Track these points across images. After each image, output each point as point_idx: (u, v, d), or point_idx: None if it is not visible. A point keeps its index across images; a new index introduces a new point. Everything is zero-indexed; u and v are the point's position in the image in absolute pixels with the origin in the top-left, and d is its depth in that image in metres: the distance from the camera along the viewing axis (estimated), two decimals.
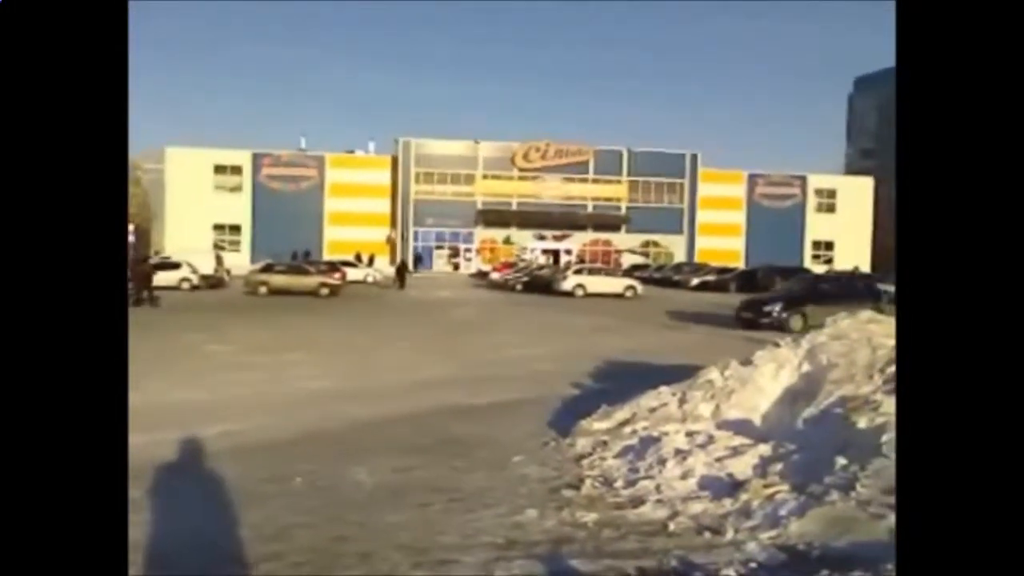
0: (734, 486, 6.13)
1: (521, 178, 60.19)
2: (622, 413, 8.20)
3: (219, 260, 39.38)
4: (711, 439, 7.18)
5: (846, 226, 63.78)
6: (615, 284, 37.99)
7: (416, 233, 59.10)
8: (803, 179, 66.03)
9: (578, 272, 39.28)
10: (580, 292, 36.11)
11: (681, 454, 6.86)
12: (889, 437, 5.88)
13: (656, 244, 62.09)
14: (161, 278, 34.00)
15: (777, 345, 8.69)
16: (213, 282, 36.07)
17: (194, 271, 35.17)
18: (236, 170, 58.73)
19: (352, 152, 64.69)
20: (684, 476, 6.48)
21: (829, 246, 64.49)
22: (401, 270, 42.10)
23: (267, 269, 34.98)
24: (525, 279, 40.72)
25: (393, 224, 59.46)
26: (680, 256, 60.04)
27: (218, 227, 57.52)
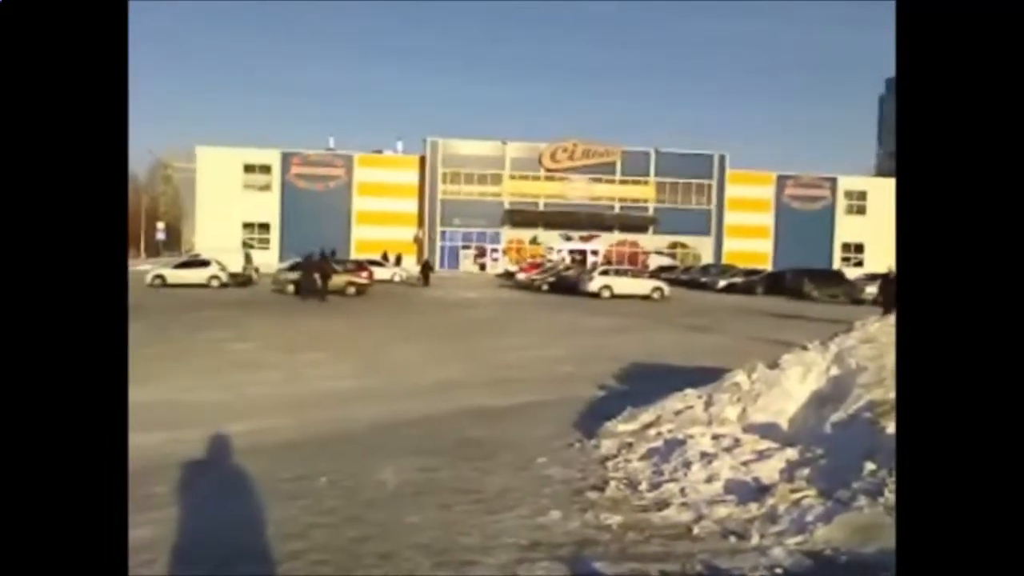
0: (760, 490, 6.05)
1: (548, 178, 60.19)
2: (647, 415, 8.13)
3: (248, 258, 39.74)
4: (737, 442, 7.10)
5: (877, 228, 62.89)
6: (642, 285, 37.79)
7: (443, 233, 59.26)
8: (833, 181, 65.45)
9: (604, 273, 39.16)
10: (606, 293, 35.99)
11: (706, 457, 6.79)
12: None
13: (683, 245, 61.82)
14: (190, 276, 34.52)
15: (805, 348, 8.58)
16: (242, 280, 36.41)
17: (223, 269, 35.52)
18: (265, 169, 59.28)
19: (380, 152, 65.01)
20: (709, 480, 6.40)
21: (859, 248, 63.85)
22: (426, 269, 42.64)
23: (295, 268, 35.19)
24: (551, 280, 40.66)
25: (420, 224, 59.67)
26: (707, 258, 59.73)
27: (247, 225, 58.07)
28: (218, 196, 56.66)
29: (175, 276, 34.64)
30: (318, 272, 30.22)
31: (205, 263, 36.07)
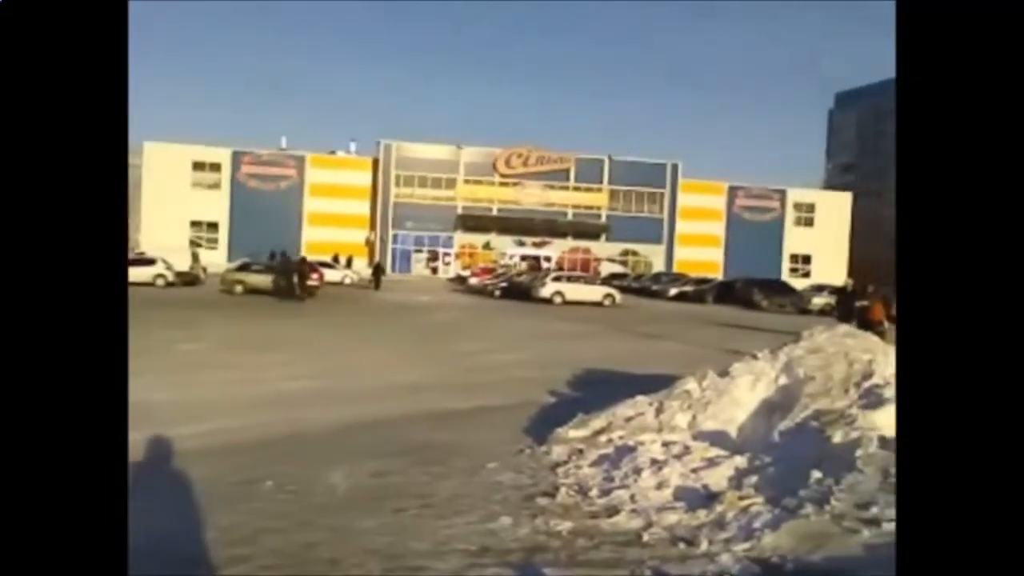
0: (709, 497, 6.11)
1: (502, 184, 60.24)
2: (598, 422, 8.16)
3: (195, 257, 39.10)
4: (687, 450, 7.17)
5: (824, 240, 64.41)
6: (594, 292, 38.01)
7: (395, 236, 58.95)
8: (783, 193, 66.58)
9: (557, 279, 39.25)
10: (558, 299, 36.10)
11: (657, 464, 6.84)
12: (864, 452, 5.90)
13: (635, 253, 62.34)
14: (135, 274, 33.73)
15: (755, 357, 8.70)
16: (188, 279, 35.79)
17: (169, 268, 34.84)
18: (215, 167, 58.32)
19: (333, 153, 64.44)
20: (659, 486, 6.45)
21: (807, 259, 65.05)
22: (377, 272, 42.39)
23: (244, 268, 34.68)
24: (503, 285, 40.70)
25: (372, 226, 59.26)
26: (659, 266, 60.30)
27: (195, 224, 57.06)
28: (165, 194, 55.49)
29: None
30: (296, 273, 30.89)
31: (151, 261, 35.28)
